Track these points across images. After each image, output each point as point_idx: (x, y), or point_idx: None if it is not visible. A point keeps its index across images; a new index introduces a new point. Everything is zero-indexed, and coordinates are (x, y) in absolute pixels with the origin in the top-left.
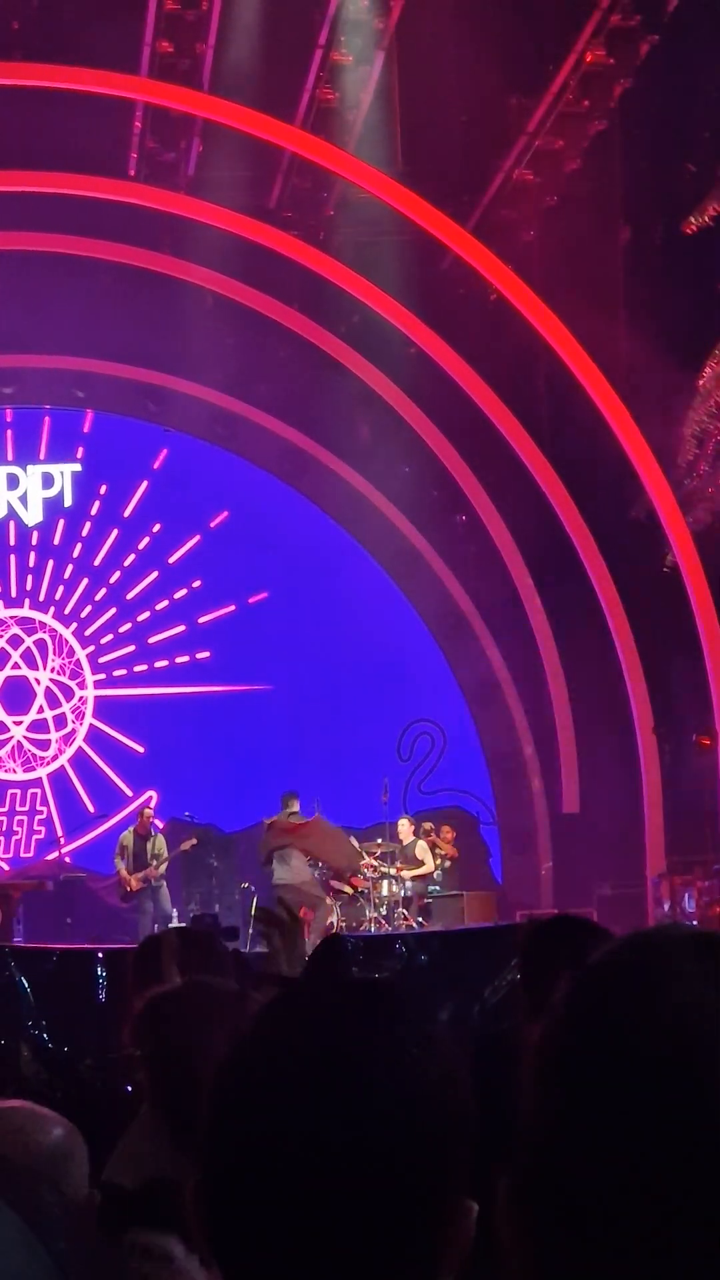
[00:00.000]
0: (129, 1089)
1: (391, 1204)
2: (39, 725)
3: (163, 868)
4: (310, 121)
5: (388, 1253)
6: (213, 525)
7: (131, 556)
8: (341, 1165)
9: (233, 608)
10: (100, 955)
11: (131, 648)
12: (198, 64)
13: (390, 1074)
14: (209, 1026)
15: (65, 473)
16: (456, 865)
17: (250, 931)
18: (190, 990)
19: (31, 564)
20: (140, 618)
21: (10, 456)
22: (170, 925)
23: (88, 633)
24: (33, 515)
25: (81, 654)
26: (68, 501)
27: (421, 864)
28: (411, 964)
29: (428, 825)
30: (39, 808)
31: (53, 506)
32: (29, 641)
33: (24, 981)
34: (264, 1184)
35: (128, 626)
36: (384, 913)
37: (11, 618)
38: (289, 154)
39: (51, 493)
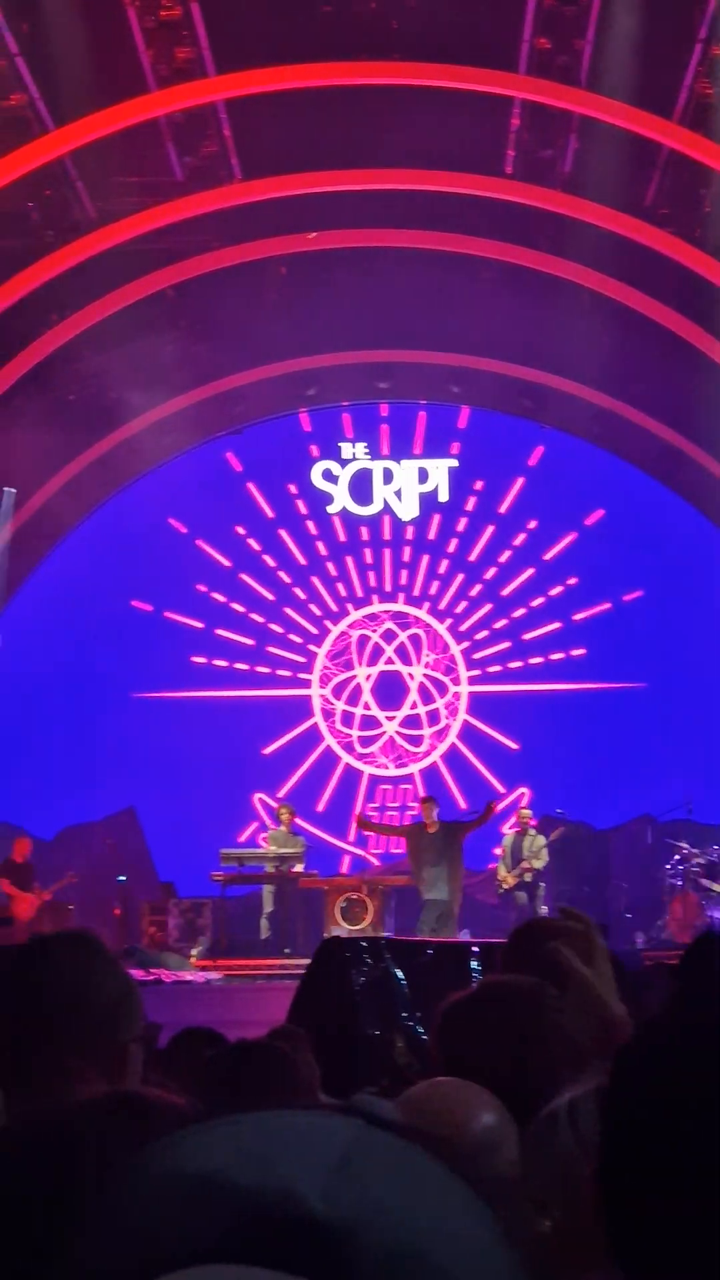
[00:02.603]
0: None
1: None
2: (412, 720)
3: (538, 863)
4: (688, 117)
5: None
6: (589, 523)
7: (507, 553)
8: None
9: (608, 605)
10: (475, 949)
11: (506, 644)
12: (576, 60)
13: None
14: (503, 1029)
15: (441, 468)
16: None
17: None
18: (482, 994)
19: (406, 559)
20: (515, 614)
21: (386, 451)
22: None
23: (462, 628)
24: (408, 510)
25: (456, 650)
26: (443, 497)
27: None
28: None
29: None
30: (410, 803)
31: (428, 501)
32: (403, 636)
33: (399, 973)
34: (666, 1173)
35: (503, 623)
36: None
37: (386, 612)
38: (666, 150)
39: (427, 488)
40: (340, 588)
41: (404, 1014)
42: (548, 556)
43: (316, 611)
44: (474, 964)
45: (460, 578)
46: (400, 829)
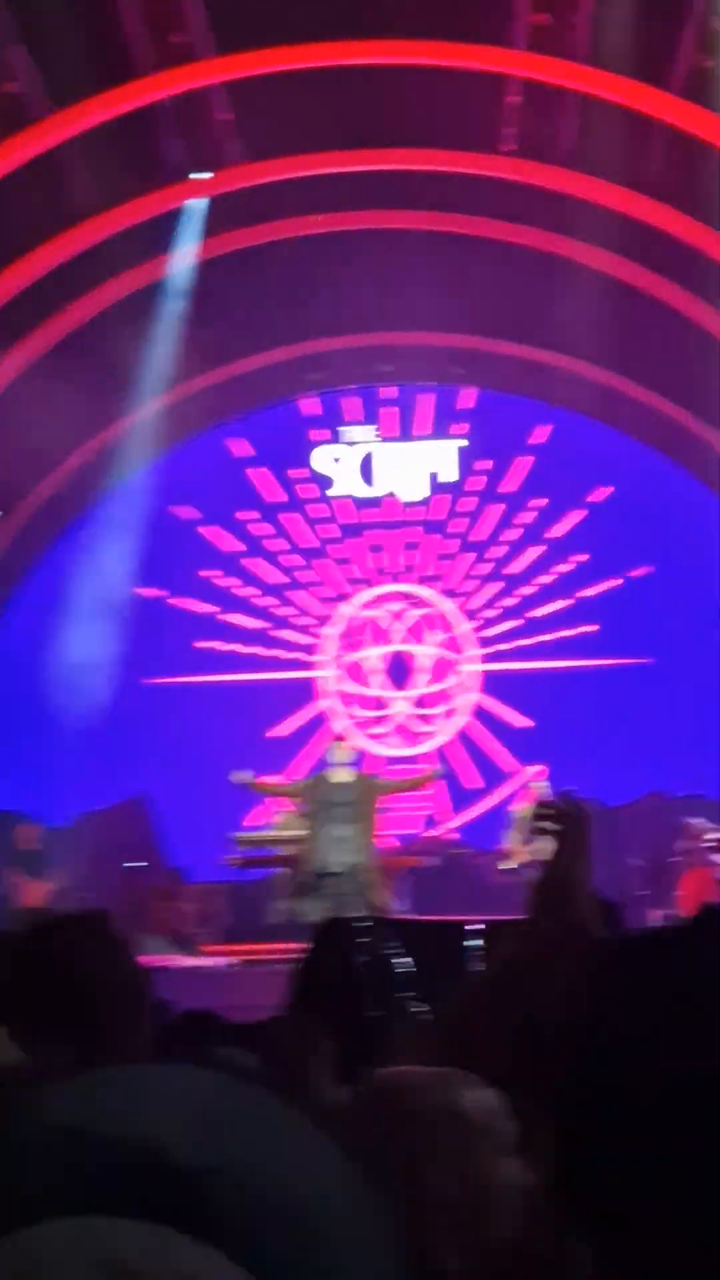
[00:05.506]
0: None
1: None
2: (423, 701)
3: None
4: (688, 91)
5: None
6: (596, 500)
7: (515, 532)
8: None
9: (617, 582)
10: (476, 927)
11: (516, 622)
12: (574, 35)
13: None
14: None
15: (447, 449)
16: None
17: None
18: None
19: (413, 540)
20: (524, 592)
21: (391, 433)
22: None
23: (471, 608)
24: (414, 492)
25: (466, 629)
26: (450, 477)
27: None
28: None
29: None
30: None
31: (434, 483)
32: (412, 617)
33: (399, 952)
34: (629, 1138)
35: (512, 601)
36: None
37: (394, 594)
38: (667, 125)
39: (433, 469)
40: (348, 570)
41: (404, 994)
42: (556, 534)
43: (324, 594)
44: (475, 942)
45: (468, 557)
46: (297, 784)
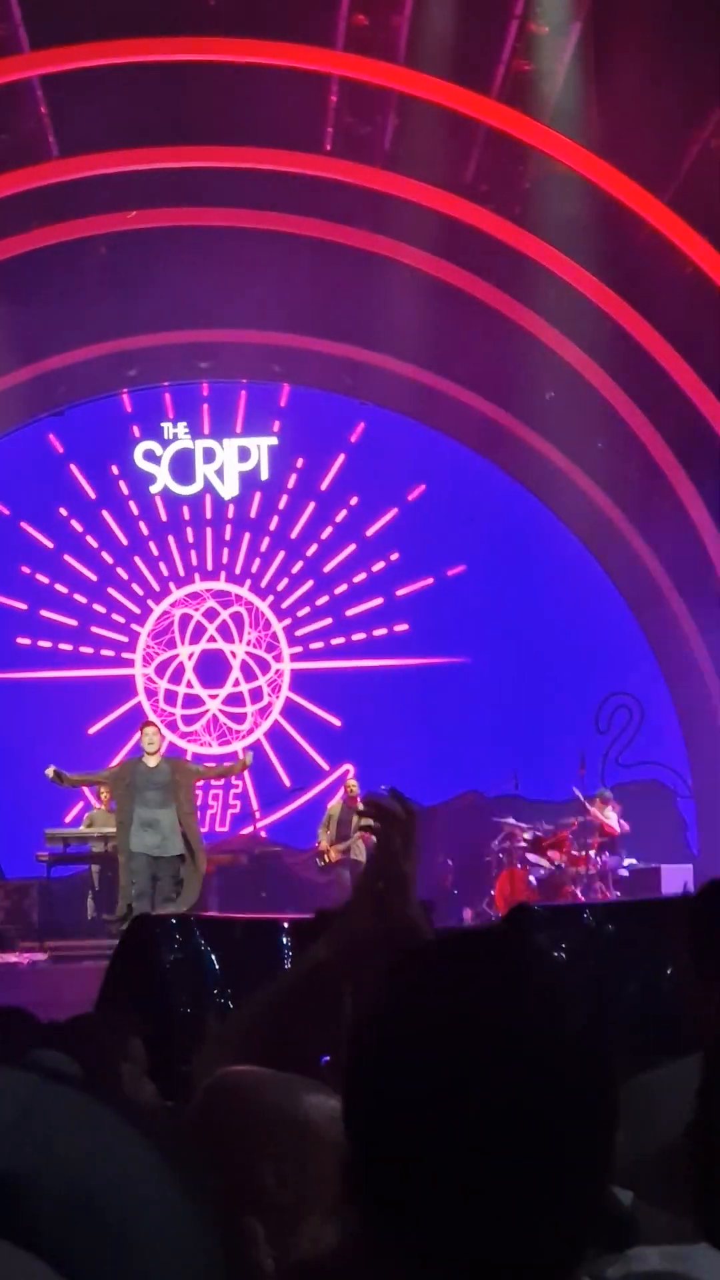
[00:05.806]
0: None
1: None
2: (235, 699)
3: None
4: (506, 94)
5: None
6: (410, 498)
7: (328, 530)
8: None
9: (430, 581)
10: (286, 925)
11: (328, 621)
12: (393, 37)
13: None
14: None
15: (262, 446)
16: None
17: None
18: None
19: (228, 537)
20: (337, 591)
21: (206, 430)
22: None
23: (284, 606)
24: (229, 489)
25: (278, 627)
26: (264, 475)
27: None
28: (599, 934)
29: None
30: (234, 782)
31: (249, 480)
32: (225, 615)
33: (210, 951)
34: (416, 1146)
35: (324, 600)
36: (580, 886)
37: (208, 591)
38: (484, 127)
39: (248, 466)
40: (162, 567)
41: (215, 991)
42: (369, 532)
43: (139, 591)
44: (285, 940)
45: (281, 555)
46: (107, 771)
